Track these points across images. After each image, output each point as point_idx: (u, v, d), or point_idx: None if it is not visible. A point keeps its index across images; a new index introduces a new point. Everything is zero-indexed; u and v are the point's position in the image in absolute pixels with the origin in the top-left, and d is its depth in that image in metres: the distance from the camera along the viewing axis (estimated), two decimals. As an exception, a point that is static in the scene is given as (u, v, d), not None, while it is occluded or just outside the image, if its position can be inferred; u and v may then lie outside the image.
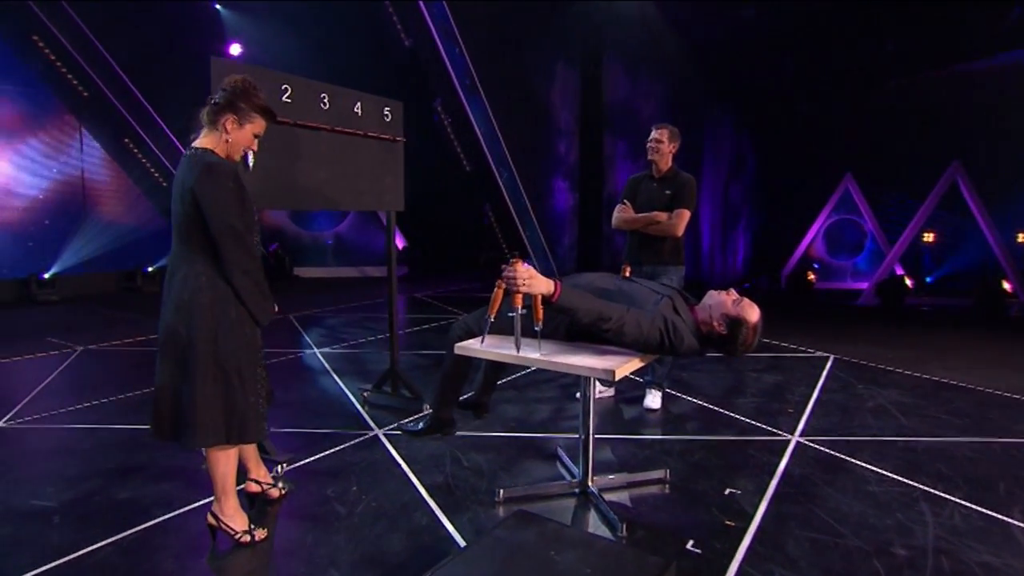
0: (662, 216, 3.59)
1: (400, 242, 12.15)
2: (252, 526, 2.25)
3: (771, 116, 14.26)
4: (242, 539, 2.20)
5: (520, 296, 2.02)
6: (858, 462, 2.95)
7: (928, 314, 8.64)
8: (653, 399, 3.81)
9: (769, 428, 3.44)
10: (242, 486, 2.53)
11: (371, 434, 3.35)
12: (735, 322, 2.14)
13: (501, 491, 2.58)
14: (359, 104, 3.47)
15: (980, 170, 10.75)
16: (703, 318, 2.21)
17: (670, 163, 3.71)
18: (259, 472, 2.59)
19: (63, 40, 8.24)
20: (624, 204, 3.74)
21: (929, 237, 12.50)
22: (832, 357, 5.13)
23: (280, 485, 2.62)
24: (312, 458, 3.01)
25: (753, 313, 2.16)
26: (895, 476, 2.79)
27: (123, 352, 5.38)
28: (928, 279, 11.83)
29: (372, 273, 11.70)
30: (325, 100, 3.25)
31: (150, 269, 9.42)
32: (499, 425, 3.49)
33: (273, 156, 3.00)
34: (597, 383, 4.26)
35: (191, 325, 2.01)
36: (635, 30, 9.87)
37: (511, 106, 8.98)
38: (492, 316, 2.24)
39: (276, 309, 2.21)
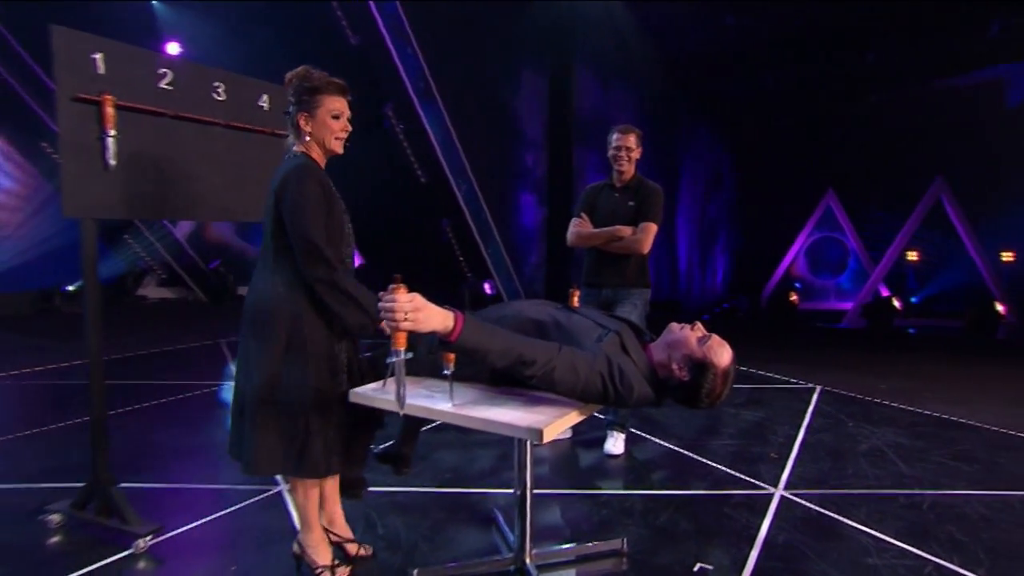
0: (626, 231, 3.19)
1: (356, 260, 11.64)
2: (336, 562, 2.11)
3: (751, 130, 14.13)
4: (322, 574, 2.07)
5: (403, 335, 1.56)
6: (854, 524, 2.53)
7: (916, 338, 8.39)
8: (614, 443, 3.38)
9: (749, 479, 3.02)
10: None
11: (275, 490, 2.85)
12: (700, 366, 1.71)
13: (416, 572, 2.12)
14: (265, 97, 3.02)
15: (964, 187, 10.66)
16: (660, 359, 1.78)
17: (634, 171, 3.33)
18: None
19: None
20: (581, 218, 3.34)
21: (913, 256, 12.38)
22: (819, 388, 4.75)
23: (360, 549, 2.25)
24: (194, 524, 2.50)
25: (723, 355, 1.73)
26: (899, 543, 2.37)
27: (17, 387, 4.78)
28: (913, 299, 11.67)
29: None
30: (220, 90, 2.79)
31: (70, 288, 8.76)
32: (431, 477, 3.02)
33: (151, 155, 2.54)
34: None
35: (258, 340, 1.93)
36: (607, 37, 9.62)
37: (471, 113, 8.59)
38: (392, 338, 1.80)
39: (375, 324, 1.91)
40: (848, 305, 12.23)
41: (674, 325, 1.84)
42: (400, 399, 1.63)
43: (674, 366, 1.77)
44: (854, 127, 12.50)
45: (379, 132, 8.48)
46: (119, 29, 7.99)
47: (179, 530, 2.45)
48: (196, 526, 2.50)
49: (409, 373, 1.92)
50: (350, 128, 2.03)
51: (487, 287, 8.33)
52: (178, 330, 7.46)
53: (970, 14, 9.29)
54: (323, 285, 1.88)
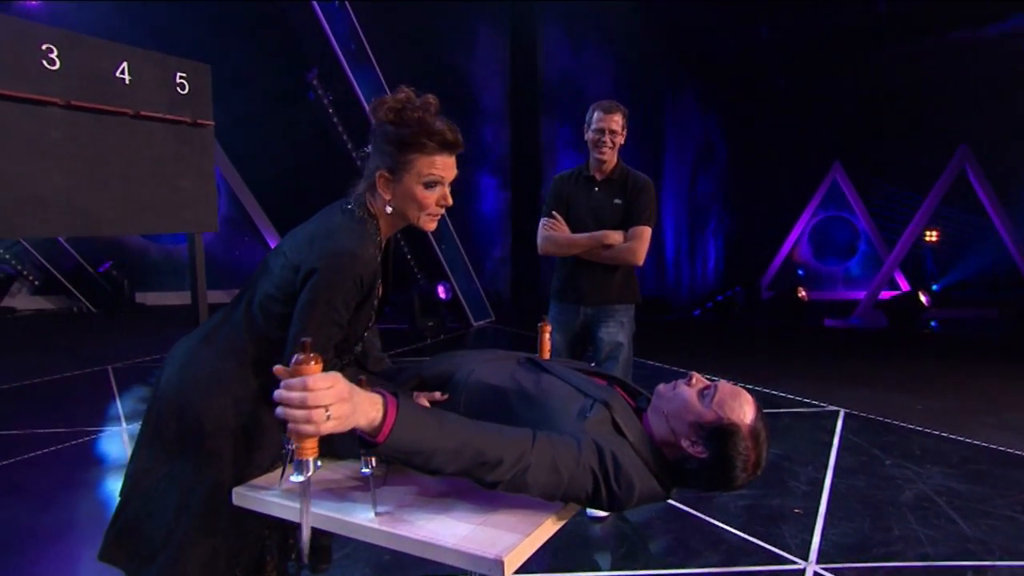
0: (615, 237, 2.88)
1: (283, 258, 11.12)
2: None
3: (744, 93, 13.99)
4: None
5: (312, 442, 1.15)
6: (912, 614, 2.27)
7: (945, 337, 8.31)
8: (601, 502, 3.07)
9: (770, 548, 2.73)
10: None
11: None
12: (718, 432, 1.37)
13: None
14: (125, 65, 2.59)
15: (990, 156, 10.65)
16: (663, 436, 1.45)
17: (617, 159, 3.02)
18: None
19: None
20: (554, 218, 3.00)
21: (932, 236, 12.40)
22: (842, 412, 4.54)
23: None
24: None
25: (744, 407, 1.39)
26: (973, 642, 2.12)
27: None
28: (934, 287, 11.70)
29: (248, 298, 10.68)
30: (53, 55, 2.36)
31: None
32: (366, 562, 2.66)
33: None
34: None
35: (194, 454, 1.55)
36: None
37: (415, 80, 8.09)
38: (295, 445, 1.44)
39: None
40: (859, 295, 12.23)
41: (662, 388, 1.51)
42: (303, 535, 1.25)
43: (684, 443, 1.43)
44: (863, 88, 12.39)
45: (303, 105, 7.98)
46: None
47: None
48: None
49: (332, 455, 1.56)
50: (450, 201, 1.64)
51: (441, 291, 7.96)
52: (56, 352, 6.89)
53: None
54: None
